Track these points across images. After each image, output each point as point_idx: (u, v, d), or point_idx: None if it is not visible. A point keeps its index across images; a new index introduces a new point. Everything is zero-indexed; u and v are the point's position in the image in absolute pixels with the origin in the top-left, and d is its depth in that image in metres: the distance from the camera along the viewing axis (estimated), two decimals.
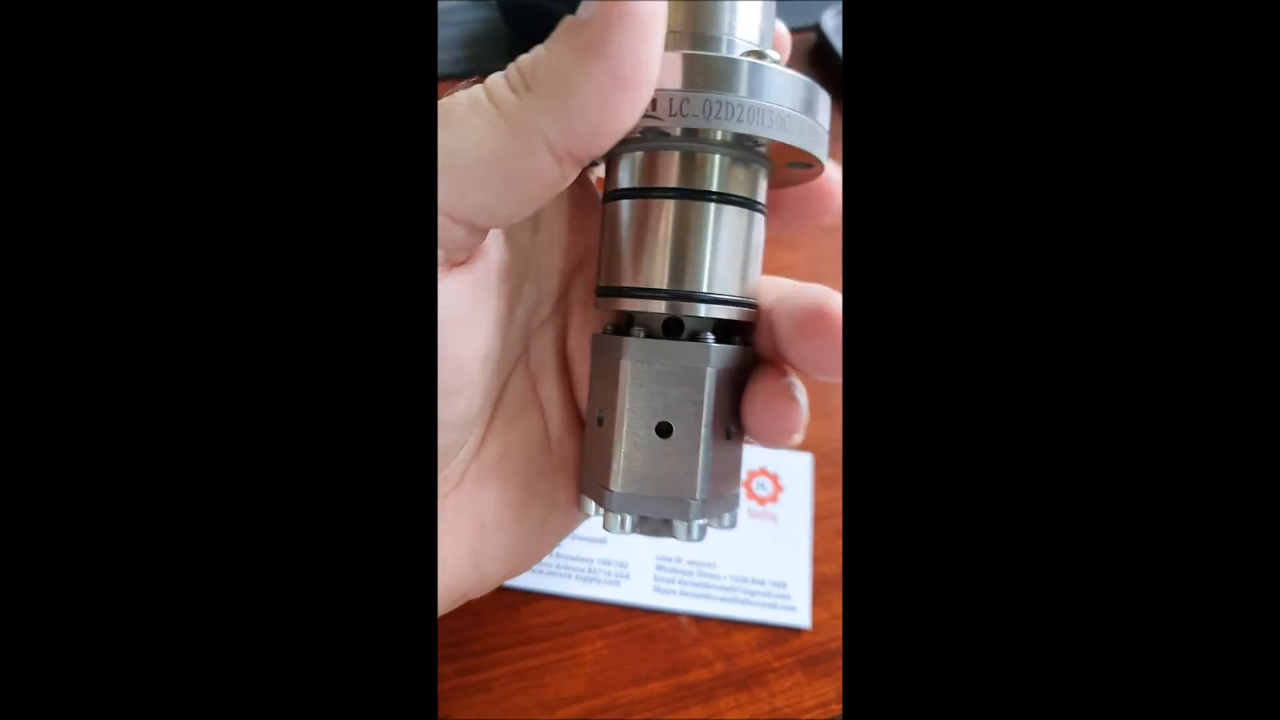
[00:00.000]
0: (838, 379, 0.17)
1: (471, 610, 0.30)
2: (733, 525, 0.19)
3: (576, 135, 0.14)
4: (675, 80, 0.16)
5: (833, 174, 0.19)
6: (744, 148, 0.18)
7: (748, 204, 0.19)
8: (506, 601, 0.30)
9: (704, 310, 0.18)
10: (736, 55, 0.17)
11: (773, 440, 0.18)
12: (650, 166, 0.18)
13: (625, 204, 0.19)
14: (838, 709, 0.29)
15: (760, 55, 0.17)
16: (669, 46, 0.16)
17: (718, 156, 0.18)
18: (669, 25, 0.16)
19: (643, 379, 0.18)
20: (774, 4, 0.19)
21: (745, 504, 0.34)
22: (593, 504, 0.19)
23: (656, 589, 0.32)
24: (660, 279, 0.18)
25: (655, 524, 0.19)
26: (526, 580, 0.31)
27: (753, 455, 0.35)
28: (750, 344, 0.19)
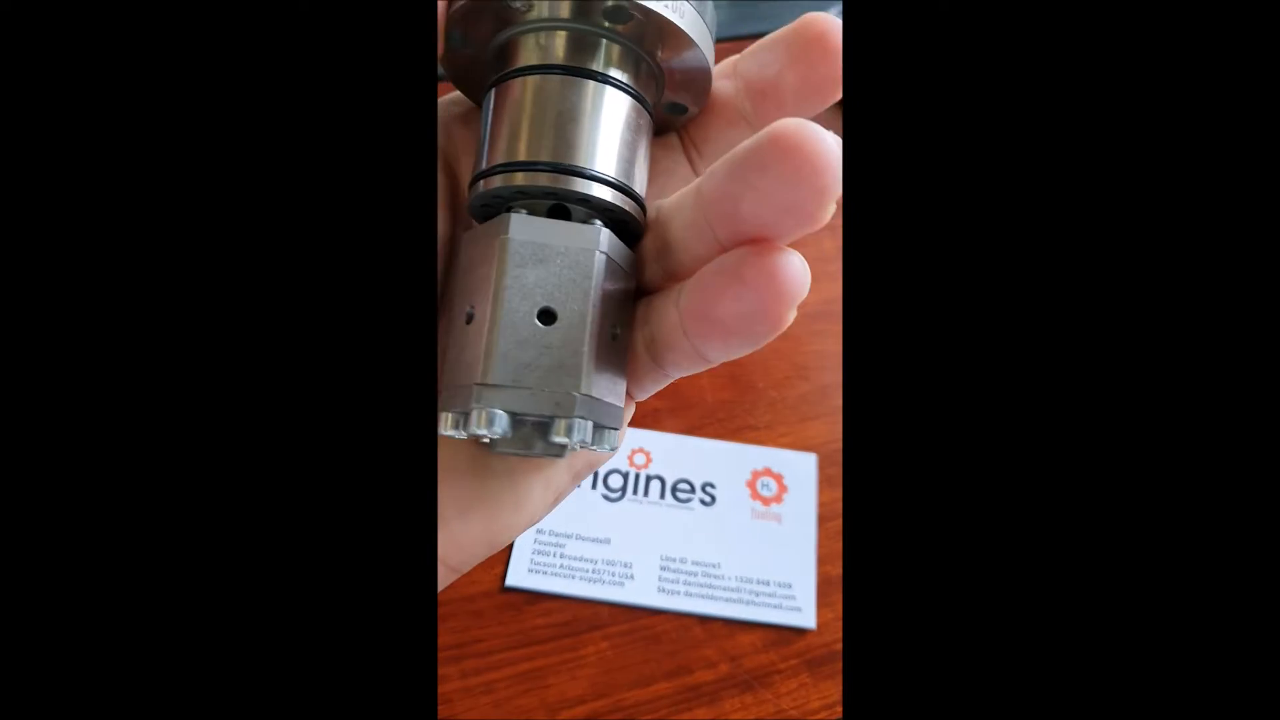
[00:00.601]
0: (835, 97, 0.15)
1: (475, 611, 0.30)
2: (613, 449, 0.17)
3: None
4: None
5: (826, 22, 0.17)
6: (632, 40, 0.17)
7: (636, 96, 0.18)
8: (510, 602, 0.30)
9: (595, 190, 0.17)
10: None
11: (740, 332, 0.15)
12: (535, 46, 0.17)
13: (510, 84, 0.17)
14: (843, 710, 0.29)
15: None
16: None
17: (604, 40, 0.17)
18: None
19: (526, 258, 0.16)
20: None
21: (750, 504, 0.34)
22: (450, 417, 0.16)
23: (661, 589, 0.31)
24: (544, 152, 0.17)
25: (527, 434, 0.17)
26: (530, 581, 0.31)
27: (757, 456, 0.35)
28: (634, 246, 0.18)
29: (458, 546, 0.18)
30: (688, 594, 0.31)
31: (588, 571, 0.32)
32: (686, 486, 0.34)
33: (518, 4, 0.17)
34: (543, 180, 0.17)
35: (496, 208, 0.17)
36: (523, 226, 0.16)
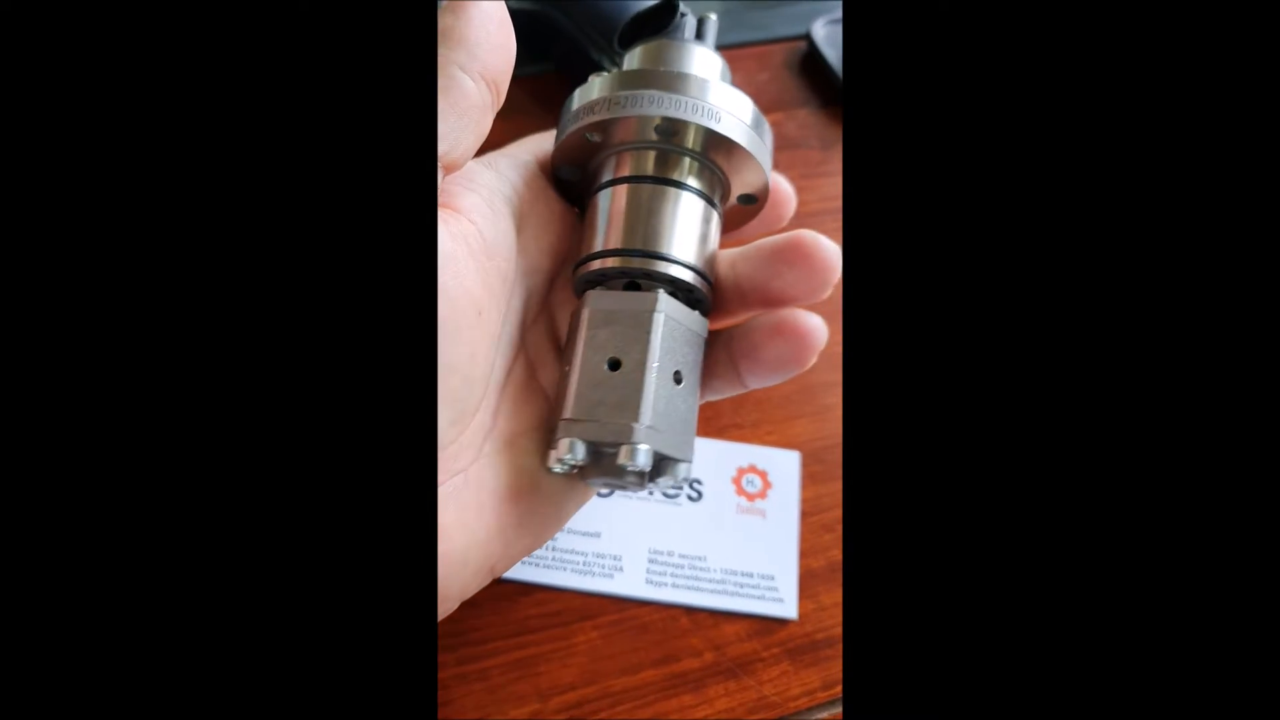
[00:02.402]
0: (819, 295, 0.21)
1: (471, 602, 0.31)
2: (686, 478, 0.20)
3: (476, 57, 0.19)
4: (644, 86, 0.21)
5: (781, 185, 0.24)
6: (707, 159, 0.22)
7: (704, 197, 0.22)
8: (504, 593, 0.31)
9: (662, 268, 0.21)
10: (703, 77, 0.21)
11: (779, 368, 0.21)
12: (626, 162, 0.22)
13: (606, 191, 0.22)
14: (823, 696, 0.30)
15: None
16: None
17: (686, 159, 0.22)
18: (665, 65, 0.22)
19: (599, 322, 0.20)
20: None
21: (735, 499, 0.35)
22: (553, 454, 0.20)
23: (649, 581, 0.33)
24: (624, 242, 0.21)
25: (606, 465, 0.20)
26: (524, 573, 0.32)
27: (743, 453, 0.36)
28: (705, 314, 0.22)
29: (521, 549, 0.23)
30: (675, 586, 0.33)
31: (578, 564, 0.33)
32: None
33: (623, 120, 0.21)
34: (635, 263, 0.21)
35: (598, 283, 0.22)
36: (598, 299, 0.20)
